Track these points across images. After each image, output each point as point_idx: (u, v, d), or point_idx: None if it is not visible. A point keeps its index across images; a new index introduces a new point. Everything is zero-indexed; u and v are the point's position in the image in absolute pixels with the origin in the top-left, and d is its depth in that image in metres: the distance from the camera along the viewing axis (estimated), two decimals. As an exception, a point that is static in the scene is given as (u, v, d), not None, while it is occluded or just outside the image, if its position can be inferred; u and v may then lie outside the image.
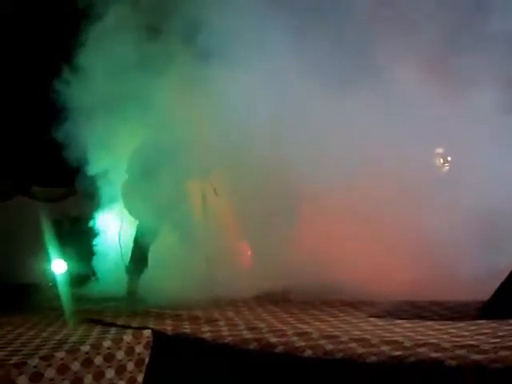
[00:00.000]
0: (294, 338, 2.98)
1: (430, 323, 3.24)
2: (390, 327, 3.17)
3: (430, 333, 2.99)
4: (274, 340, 2.97)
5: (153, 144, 4.69)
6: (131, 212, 4.73)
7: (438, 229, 3.99)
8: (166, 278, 4.58)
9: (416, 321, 3.31)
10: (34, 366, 2.72)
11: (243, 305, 4.05)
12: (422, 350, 2.64)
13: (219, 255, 4.69)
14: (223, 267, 4.66)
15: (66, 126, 5.17)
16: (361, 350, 2.71)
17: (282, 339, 2.98)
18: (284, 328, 3.21)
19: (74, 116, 5.08)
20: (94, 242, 5.41)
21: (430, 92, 4.26)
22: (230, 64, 4.33)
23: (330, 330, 3.14)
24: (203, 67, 4.45)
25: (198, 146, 4.58)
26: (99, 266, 5.28)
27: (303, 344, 2.87)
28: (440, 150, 5.06)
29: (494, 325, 3.07)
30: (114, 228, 5.08)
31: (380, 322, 3.33)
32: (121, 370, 3.06)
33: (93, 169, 5.17)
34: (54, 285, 5.24)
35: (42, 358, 2.78)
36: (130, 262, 4.77)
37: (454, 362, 2.48)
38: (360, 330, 3.10)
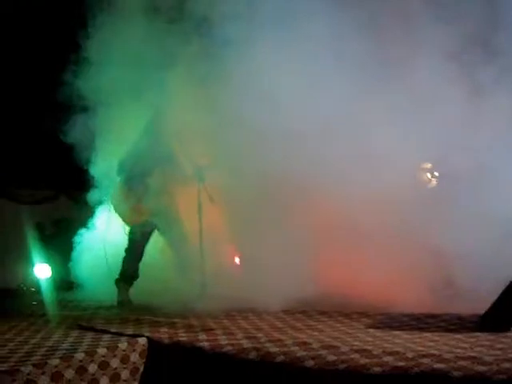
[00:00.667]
0: (294, 348, 2.94)
1: (427, 335, 3.23)
2: (389, 338, 3.15)
3: (430, 344, 2.99)
4: (274, 350, 2.93)
5: (147, 147, 4.61)
6: (123, 218, 4.63)
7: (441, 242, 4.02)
8: (158, 286, 4.52)
9: (414, 332, 3.30)
10: (28, 374, 2.61)
11: (237, 314, 3.97)
12: (424, 360, 2.63)
13: (213, 264, 4.63)
14: (216, 276, 4.60)
15: (52, 127, 5.11)
16: (364, 361, 2.69)
17: (282, 349, 2.94)
18: (282, 338, 3.16)
19: (61, 117, 5.00)
20: (80, 247, 5.26)
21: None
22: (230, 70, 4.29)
23: (329, 340, 3.11)
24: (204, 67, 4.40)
25: (193, 150, 4.53)
26: (85, 272, 5.14)
27: (304, 354, 2.84)
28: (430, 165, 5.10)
29: (491, 337, 3.09)
30: (101, 233, 4.95)
31: (378, 333, 3.31)
32: (115, 378, 2.96)
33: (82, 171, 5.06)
34: (37, 290, 5.10)
35: (35, 366, 2.67)
36: (120, 273, 4.66)
37: (458, 374, 2.48)
38: (360, 341, 3.07)
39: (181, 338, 3.21)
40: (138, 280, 4.67)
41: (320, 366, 2.73)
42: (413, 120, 4.31)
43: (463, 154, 4.22)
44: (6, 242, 6.23)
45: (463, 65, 4.22)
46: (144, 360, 3.15)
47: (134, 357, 3.10)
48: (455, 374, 2.47)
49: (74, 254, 5.23)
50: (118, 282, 4.65)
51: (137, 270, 4.66)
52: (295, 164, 4.36)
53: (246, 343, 3.06)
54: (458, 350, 2.80)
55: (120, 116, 4.87)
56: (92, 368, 2.87)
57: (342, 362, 2.71)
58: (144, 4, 4.79)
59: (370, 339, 3.12)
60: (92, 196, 5.16)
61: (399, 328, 3.42)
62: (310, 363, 2.76)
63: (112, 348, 3.01)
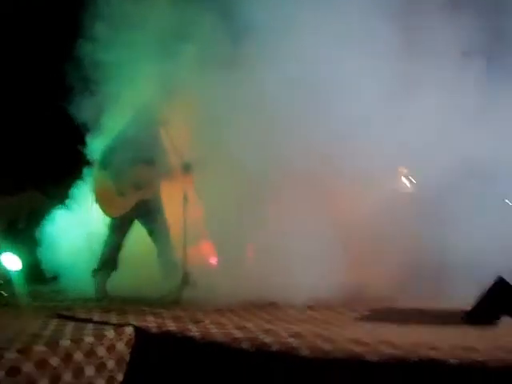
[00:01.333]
0: (288, 338, 2.89)
1: (417, 327, 3.25)
2: (381, 330, 3.15)
3: (422, 335, 3.00)
4: (268, 339, 2.87)
5: (130, 139, 4.49)
6: (104, 209, 4.49)
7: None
8: (138, 278, 4.40)
9: (403, 325, 3.31)
10: (11, 360, 2.48)
11: (225, 307, 3.88)
12: (420, 350, 2.63)
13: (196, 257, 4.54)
14: (200, 269, 4.52)
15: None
16: (360, 350, 2.67)
17: (276, 339, 2.89)
18: (274, 328, 3.11)
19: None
20: (57, 239, 5.07)
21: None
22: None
23: (322, 331, 3.08)
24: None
25: (177, 143, 4.44)
26: (62, 263, 4.95)
27: (299, 344, 2.80)
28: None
29: (478, 330, 3.14)
30: (82, 223, 4.80)
31: (368, 326, 3.31)
32: (101, 367, 2.85)
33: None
34: (7, 282, 4.88)
35: (20, 352, 2.54)
36: (99, 263, 4.52)
37: (455, 361, 2.49)
38: (352, 332, 3.05)
39: (170, 328, 3.12)
40: (117, 271, 4.53)
41: (316, 356, 2.70)
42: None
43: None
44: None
45: (442, 67, 4.32)
46: (130, 350, 3.04)
47: (121, 346, 2.99)
48: (452, 361, 2.50)
49: (51, 245, 5.03)
50: (95, 272, 4.49)
51: (115, 260, 4.52)
52: (283, 163, 4.36)
53: (237, 333, 3.00)
54: (449, 341, 2.82)
55: (94, 105, 4.72)
56: (78, 356, 2.75)
57: (338, 351, 2.70)
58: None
59: (361, 330, 3.11)
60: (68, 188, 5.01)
61: (387, 321, 3.43)
62: (306, 352, 2.73)
63: (99, 336, 2.89)
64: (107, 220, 4.53)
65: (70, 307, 3.88)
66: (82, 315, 3.46)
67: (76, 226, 4.80)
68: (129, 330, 3.07)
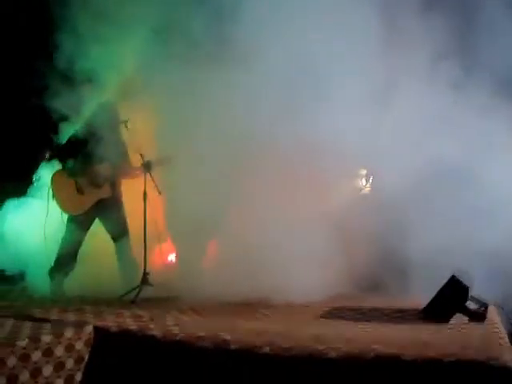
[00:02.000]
0: (249, 336, 2.93)
1: (374, 325, 3.35)
2: (341, 327, 3.24)
3: (378, 332, 3.10)
4: (228, 337, 2.90)
5: (89, 137, 4.43)
6: (64, 208, 4.40)
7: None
8: (97, 277, 4.34)
9: (360, 323, 3.40)
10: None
11: (184, 305, 3.89)
12: (376, 346, 2.72)
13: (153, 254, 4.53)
14: (157, 267, 4.50)
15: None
16: (320, 347, 2.73)
17: (237, 336, 2.92)
18: (237, 327, 3.14)
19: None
20: (11, 237, 4.93)
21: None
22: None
23: (283, 329, 3.13)
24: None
25: (139, 138, 4.41)
26: (17, 262, 4.82)
27: (260, 341, 2.83)
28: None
29: (432, 327, 3.26)
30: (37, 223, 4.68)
31: (327, 324, 3.38)
32: (59, 366, 2.81)
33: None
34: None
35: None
36: (55, 262, 4.43)
37: (410, 357, 2.59)
38: (313, 329, 3.11)
39: (131, 327, 3.11)
40: (75, 270, 4.45)
41: (276, 353, 2.75)
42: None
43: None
44: None
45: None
46: (89, 349, 3.01)
47: (79, 345, 2.96)
48: (406, 357, 2.59)
49: (6, 244, 4.88)
50: (51, 271, 4.40)
51: (73, 260, 4.44)
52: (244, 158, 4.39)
53: (199, 332, 3.01)
54: (405, 338, 2.92)
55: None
56: (36, 355, 2.70)
57: (298, 348, 2.75)
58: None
59: (320, 329, 3.18)
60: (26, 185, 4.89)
61: (344, 319, 3.52)
62: (266, 350, 2.77)
63: (57, 335, 2.85)
64: (65, 218, 4.45)
65: (26, 307, 3.79)
66: (39, 315, 3.39)
67: (33, 224, 4.68)
68: (88, 329, 3.04)
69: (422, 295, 3.63)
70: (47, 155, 4.71)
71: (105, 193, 4.45)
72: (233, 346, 2.82)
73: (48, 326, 3.08)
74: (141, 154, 4.39)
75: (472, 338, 2.95)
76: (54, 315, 3.36)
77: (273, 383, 2.71)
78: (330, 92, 4.19)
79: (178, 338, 2.93)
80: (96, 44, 4.36)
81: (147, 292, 4.19)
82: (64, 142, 4.55)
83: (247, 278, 4.08)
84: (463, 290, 3.51)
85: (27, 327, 3.06)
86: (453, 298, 3.50)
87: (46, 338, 2.80)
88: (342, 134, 4.20)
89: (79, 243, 4.44)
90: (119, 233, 4.51)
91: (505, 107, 4.18)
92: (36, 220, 4.58)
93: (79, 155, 4.40)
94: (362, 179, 5.22)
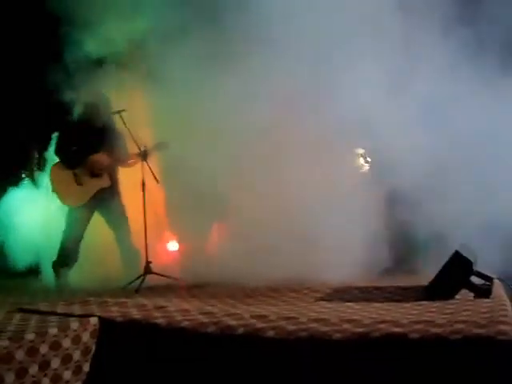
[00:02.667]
0: (253, 321, 2.94)
1: (378, 305, 3.35)
2: (342, 308, 3.24)
3: (382, 312, 3.10)
4: (233, 323, 2.91)
5: (88, 124, 4.42)
6: (63, 200, 4.40)
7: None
8: (100, 268, 4.36)
9: (364, 303, 3.41)
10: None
11: (186, 293, 3.90)
12: (382, 326, 2.72)
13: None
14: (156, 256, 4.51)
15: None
16: (323, 329, 2.74)
17: (240, 322, 2.93)
18: (239, 312, 3.15)
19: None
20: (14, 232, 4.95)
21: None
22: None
23: (286, 312, 3.14)
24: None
25: (137, 127, 4.40)
26: (21, 257, 4.85)
27: (264, 325, 2.84)
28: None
29: (438, 304, 3.26)
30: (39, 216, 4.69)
31: (329, 305, 3.39)
32: (67, 359, 2.83)
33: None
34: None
35: (-17, 347, 2.50)
36: (58, 255, 4.44)
37: (415, 335, 2.59)
38: (315, 312, 3.12)
39: (135, 317, 3.12)
40: (78, 262, 4.47)
41: (281, 336, 2.76)
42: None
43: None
44: None
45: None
46: (95, 340, 3.03)
47: (86, 337, 2.97)
48: (412, 336, 2.60)
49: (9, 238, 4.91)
50: (55, 264, 4.43)
51: (76, 252, 4.46)
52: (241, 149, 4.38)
53: (202, 318, 3.03)
54: (411, 316, 2.93)
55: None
56: (43, 349, 2.72)
57: (302, 330, 2.76)
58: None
59: (324, 310, 3.19)
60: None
61: (349, 300, 3.52)
62: (271, 334, 2.78)
63: (63, 328, 2.86)
64: (66, 210, 4.45)
65: (32, 301, 3.81)
66: (45, 308, 3.40)
67: (34, 217, 4.69)
68: (93, 321, 3.05)
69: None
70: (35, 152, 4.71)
71: (104, 182, 4.45)
72: (237, 331, 2.84)
73: (54, 318, 3.10)
74: (137, 142, 4.38)
75: (478, 313, 2.95)
76: (59, 308, 3.37)
77: (278, 366, 2.73)
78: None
79: (181, 325, 2.94)
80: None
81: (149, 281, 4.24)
82: (58, 134, 4.55)
83: (247, 262, 4.14)
84: (467, 264, 3.49)
85: (34, 321, 3.08)
86: (457, 273, 3.49)
87: (53, 331, 2.81)
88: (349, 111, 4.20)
89: (81, 235, 4.46)
90: (119, 222, 4.53)
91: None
92: (36, 213, 4.60)
93: (75, 146, 4.40)
94: (360, 158, 5.22)
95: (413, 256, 4.30)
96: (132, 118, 4.45)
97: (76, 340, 2.91)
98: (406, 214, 4.19)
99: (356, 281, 4.05)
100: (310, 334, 2.72)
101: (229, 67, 4.28)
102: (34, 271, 4.93)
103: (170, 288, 4.11)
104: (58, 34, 4.57)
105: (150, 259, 4.30)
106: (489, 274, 3.58)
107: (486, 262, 3.63)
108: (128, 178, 4.65)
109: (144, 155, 4.38)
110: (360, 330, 2.69)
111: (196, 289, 4.11)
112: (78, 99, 4.59)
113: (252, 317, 3.02)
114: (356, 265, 4.11)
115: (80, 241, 4.47)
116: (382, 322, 2.78)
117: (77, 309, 3.35)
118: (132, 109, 4.45)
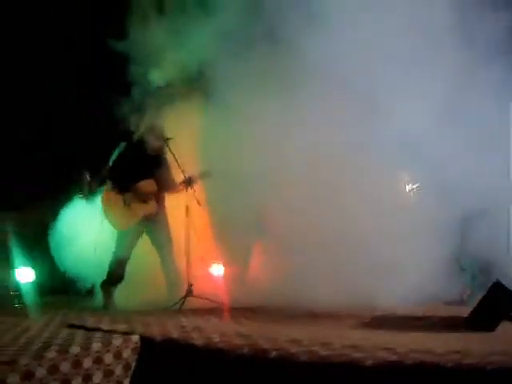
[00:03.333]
0: (287, 345, 3.00)
1: (416, 333, 3.35)
2: (379, 336, 3.25)
3: (419, 340, 3.10)
4: (267, 346, 2.97)
5: (136, 153, 4.66)
6: (112, 222, 4.63)
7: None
8: (143, 289, 4.53)
9: (401, 331, 3.42)
10: (25, 365, 2.61)
11: (225, 314, 4.01)
12: (416, 355, 2.71)
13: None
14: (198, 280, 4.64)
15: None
16: (357, 355, 2.76)
17: (275, 346, 2.99)
18: (274, 336, 3.22)
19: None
20: (68, 251, 5.21)
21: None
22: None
23: (320, 337, 3.18)
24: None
25: (183, 155, 4.60)
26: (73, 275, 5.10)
27: (297, 350, 2.89)
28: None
29: (476, 335, 3.23)
30: (89, 237, 4.94)
31: (366, 332, 3.40)
32: (108, 373, 2.97)
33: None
34: (19, 293, 5.03)
35: (33, 358, 2.68)
36: (107, 275, 4.65)
37: (450, 364, 2.57)
38: (349, 339, 3.14)
39: (173, 336, 3.24)
40: (125, 283, 4.66)
41: (314, 361, 2.80)
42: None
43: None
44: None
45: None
46: (136, 357, 3.16)
47: (127, 353, 3.11)
48: (446, 364, 2.58)
49: (60, 257, 5.18)
50: (103, 284, 4.64)
51: (123, 272, 4.66)
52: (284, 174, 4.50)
53: (238, 340, 3.11)
54: (447, 346, 2.90)
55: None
56: (87, 362, 2.87)
57: (335, 356, 2.79)
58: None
59: (359, 337, 3.21)
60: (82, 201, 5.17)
61: (386, 328, 3.52)
62: (305, 358, 2.83)
63: (106, 343, 3.02)
64: (115, 233, 4.67)
65: (80, 317, 4.01)
66: (91, 324, 3.58)
67: (84, 238, 4.94)
68: (135, 339, 3.19)
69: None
70: (87, 176, 4.97)
71: (151, 208, 4.64)
72: (271, 355, 2.90)
73: (99, 334, 3.26)
74: (182, 170, 4.57)
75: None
76: (104, 325, 3.54)
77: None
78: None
79: (218, 347, 3.03)
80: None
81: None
82: (112, 160, 4.80)
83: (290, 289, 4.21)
84: (509, 295, 3.43)
85: (80, 335, 3.25)
86: (497, 304, 3.43)
87: (97, 346, 2.97)
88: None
89: (128, 257, 4.65)
90: (165, 246, 4.70)
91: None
92: (86, 234, 4.85)
93: (126, 173, 4.63)
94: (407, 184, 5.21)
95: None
96: (178, 146, 4.67)
97: (118, 356, 3.05)
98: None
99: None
100: (344, 359, 2.75)
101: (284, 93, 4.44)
102: (90, 291, 5.15)
103: (210, 311, 4.22)
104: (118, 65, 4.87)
105: (192, 282, 4.45)
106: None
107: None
108: (173, 202, 4.84)
109: (189, 183, 4.56)
110: (393, 357, 2.71)
111: (235, 311, 4.20)
112: (135, 127, 4.85)
113: (286, 341, 3.08)
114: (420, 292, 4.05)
115: (126, 262, 4.67)
116: (416, 351, 2.78)
117: (120, 327, 3.50)
118: (179, 136, 4.67)
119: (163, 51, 4.81)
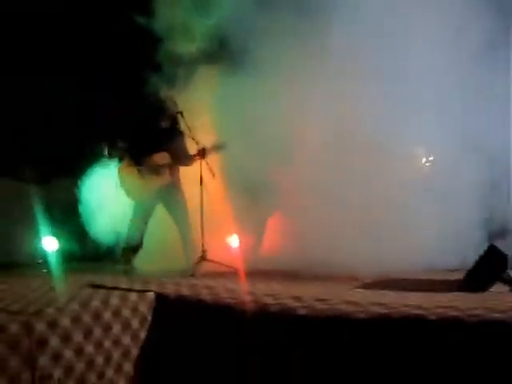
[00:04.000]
0: (288, 300, 3.25)
1: (412, 293, 3.55)
2: (377, 295, 3.47)
3: (415, 299, 3.30)
4: (269, 301, 3.23)
5: (151, 125, 4.91)
6: (128, 194, 4.92)
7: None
8: (161, 257, 4.83)
9: (400, 292, 3.62)
10: (51, 315, 2.92)
11: (235, 276, 4.31)
12: (406, 308, 2.93)
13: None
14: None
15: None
16: (350, 309, 3.00)
17: (277, 301, 3.24)
18: (277, 292, 3.48)
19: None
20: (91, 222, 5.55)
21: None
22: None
23: (322, 295, 3.42)
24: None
25: (194, 128, 4.83)
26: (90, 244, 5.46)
27: (297, 305, 3.15)
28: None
29: (466, 295, 3.42)
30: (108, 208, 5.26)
31: (366, 292, 3.63)
32: (126, 325, 3.28)
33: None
34: (45, 262, 5.38)
35: (58, 309, 2.99)
36: (126, 241, 4.96)
37: (433, 317, 2.79)
38: (349, 296, 3.37)
39: (185, 293, 3.53)
40: (144, 251, 4.97)
41: (312, 314, 3.05)
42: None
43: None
44: (15, 218, 6.45)
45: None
46: (151, 312, 3.46)
47: (143, 308, 3.41)
48: (431, 317, 2.80)
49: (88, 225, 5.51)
50: (123, 250, 4.95)
51: (140, 240, 4.96)
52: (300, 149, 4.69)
53: (244, 297, 3.38)
54: (435, 302, 3.10)
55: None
56: (106, 315, 3.19)
57: (330, 310, 3.04)
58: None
59: (356, 295, 3.44)
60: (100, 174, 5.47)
61: (387, 289, 3.74)
62: (303, 312, 3.08)
63: (124, 298, 3.32)
64: (132, 203, 4.96)
65: (101, 280, 4.32)
66: (111, 284, 3.89)
67: (109, 207, 5.27)
68: (150, 296, 3.49)
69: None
70: (106, 149, 5.25)
71: (164, 180, 4.90)
72: (272, 309, 3.16)
73: (117, 292, 3.56)
74: (196, 142, 4.81)
75: (504, 302, 3.08)
76: (122, 284, 3.84)
77: (309, 341, 3.02)
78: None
79: (225, 302, 3.31)
80: None
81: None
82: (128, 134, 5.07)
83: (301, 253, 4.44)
84: (502, 258, 3.60)
85: (100, 293, 3.55)
86: (491, 266, 3.60)
87: (115, 301, 3.28)
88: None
89: (144, 226, 4.94)
90: (180, 216, 4.97)
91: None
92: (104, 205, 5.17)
93: (141, 145, 4.89)
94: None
95: None
96: (191, 118, 4.89)
97: (135, 310, 3.35)
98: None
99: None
100: (339, 313, 3.00)
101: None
102: (113, 257, 5.49)
103: (222, 274, 4.51)
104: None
105: (205, 248, 4.73)
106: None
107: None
108: (188, 174, 5.09)
109: (202, 153, 4.79)
110: (383, 311, 2.93)
111: (247, 275, 4.47)
112: (148, 101, 5.10)
113: (287, 297, 3.33)
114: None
115: (144, 231, 4.95)
116: (408, 305, 2.99)
117: (137, 285, 3.80)
118: (192, 108, 4.90)
119: (185, 23, 5.00)
